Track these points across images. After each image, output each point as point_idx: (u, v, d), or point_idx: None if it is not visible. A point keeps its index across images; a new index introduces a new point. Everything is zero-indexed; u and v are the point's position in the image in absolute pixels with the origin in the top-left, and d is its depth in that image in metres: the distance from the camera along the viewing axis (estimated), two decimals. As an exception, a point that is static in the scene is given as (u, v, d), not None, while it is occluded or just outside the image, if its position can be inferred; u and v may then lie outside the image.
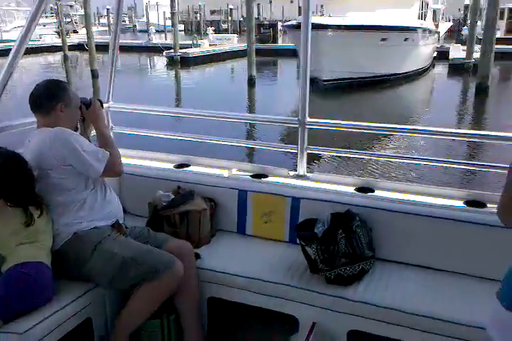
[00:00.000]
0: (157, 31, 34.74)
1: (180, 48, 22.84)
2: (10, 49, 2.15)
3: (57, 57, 26.03)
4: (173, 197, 2.29)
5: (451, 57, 19.95)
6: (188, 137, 2.79)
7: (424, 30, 18.51)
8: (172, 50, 22.74)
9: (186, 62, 22.25)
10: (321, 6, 17.41)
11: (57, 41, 28.09)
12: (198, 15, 43.52)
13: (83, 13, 23.35)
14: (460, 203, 2.10)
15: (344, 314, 1.86)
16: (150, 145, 3.19)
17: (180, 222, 2.22)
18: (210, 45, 26.10)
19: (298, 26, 13.03)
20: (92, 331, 1.94)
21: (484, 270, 1.94)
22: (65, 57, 23.85)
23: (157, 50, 25.65)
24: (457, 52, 20.64)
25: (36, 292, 1.76)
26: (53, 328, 1.73)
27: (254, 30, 17.50)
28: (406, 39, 16.41)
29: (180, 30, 26.62)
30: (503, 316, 1.09)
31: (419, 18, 18.65)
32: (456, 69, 18.56)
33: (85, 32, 20.86)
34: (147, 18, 37.48)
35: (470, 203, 2.09)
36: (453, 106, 12.99)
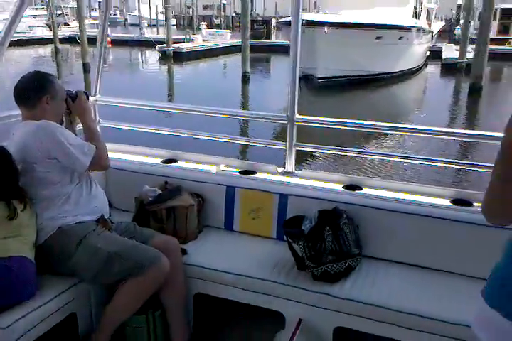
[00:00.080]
0: (149, 25, 34.44)
1: (173, 43, 22.69)
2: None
3: (47, 50, 25.66)
4: (160, 192, 2.27)
5: (444, 56, 20.05)
6: (177, 132, 2.76)
7: (419, 29, 18.57)
8: (165, 45, 22.57)
9: (179, 57, 22.08)
10: (314, 3, 17.39)
11: (47, 34, 27.69)
12: (191, 9, 43.19)
13: (75, 6, 23.07)
14: (447, 202, 2.11)
15: (330, 311, 1.87)
16: (137, 140, 3.16)
17: (167, 217, 2.20)
18: (203, 40, 25.94)
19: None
20: (76, 326, 1.93)
21: (470, 268, 1.95)
22: (56, 50, 23.51)
23: (149, 44, 25.42)
24: (450, 52, 20.75)
25: (19, 287, 1.73)
26: (37, 323, 1.72)
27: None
28: (401, 38, 16.45)
29: (172, 25, 26.37)
30: (487, 314, 1.09)
31: (413, 17, 18.69)
32: (449, 68, 18.65)
33: (76, 25, 20.64)
34: (139, 11, 37.12)
35: (457, 202, 2.10)
36: (447, 106, 13.04)
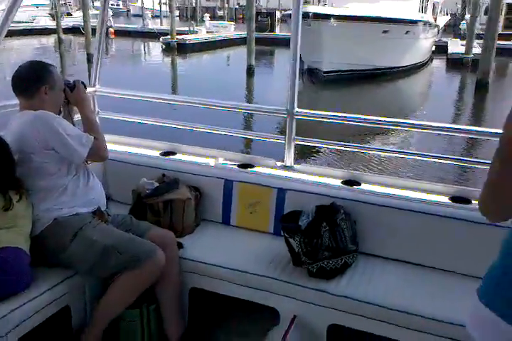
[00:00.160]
0: (153, 17, 34.18)
1: (177, 35, 22.55)
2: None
3: (50, 40, 25.49)
4: (157, 185, 2.25)
5: (450, 51, 19.87)
6: (176, 124, 2.75)
7: (425, 23, 18.33)
8: (169, 36, 22.41)
9: (183, 48, 21.95)
10: None
11: (50, 23, 27.50)
12: (194, 1, 42.78)
13: (78, -4, 22.89)
14: (445, 199, 2.09)
15: (325, 308, 1.85)
16: (137, 131, 3.14)
17: (164, 210, 2.19)
18: (207, 32, 25.77)
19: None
20: (70, 319, 1.93)
21: (467, 267, 1.93)
22: (60, 41, 23.39)
23: (152, 35, 25.25)
24: (456, 46, 20.56)
25: (13, 278, 1.73)
26: (31, 314, 1.72)
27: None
28: (407, 32, 16.22)
29: (175, 16, 26.17)
30: (482, 313, 1.08)
31: (419, 11, 18.48)
32: (455, 64, 18.49)
33: (79, 15, 20.48)
34: (142, 2, 36.81)
35: (455, 199, 2.08)
36: (453, 102, 12.89)
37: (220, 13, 42.15)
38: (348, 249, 1.93)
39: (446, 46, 21.25)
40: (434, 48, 21.70)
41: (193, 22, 28.41)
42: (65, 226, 1.89)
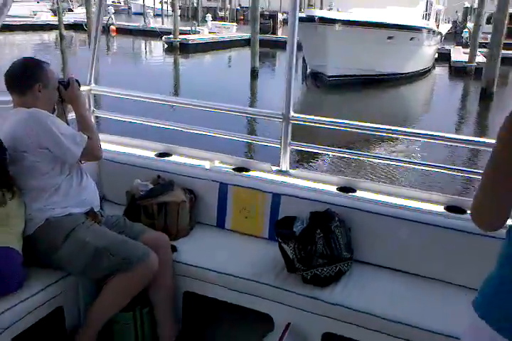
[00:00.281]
0: (155, 15, 34.12)
1: (179, 34, 22.54)
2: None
3: (52, 36, 25.38)
4: (151, 186, 2.23)
5: (453, 59, 19.87)
6: (173, 126, 2.72)
7: (429, 30, 18.37)
8: (171, 36, 22.37)
9: (186, 48, 21.89)
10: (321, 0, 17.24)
11: (51, 19, 27.36)
12: (195, 0, 42.72)
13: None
14: (441, 208, 2.07)
15: (320, 316, 1.83)
16: (132, 131, 3.11)
17: (158, 213, 2.16)
18: (209, 32, 25.76)
19: (304, 19, 12.83)
20: (63, 320, 1.90)
21: (461, 278, 1.91)
22: (61, 37, 23.29)
23: (153, 34, 25.17)
24: (458, 54, 20.57)
25: (5, 278, 1.71)
26: (24, 315, 1.70)
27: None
28: (412, 38, 16.24)
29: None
30: (478, 325, 1.07)
31: (423, 18, 18.52)
32: (458, 72, 18.45)
33: (81, 11, 20.40)
34: (143, 1, 36.75)
35: (451, 209, 2.06)
36: (456, 111, 12.78)
37: (221, 13, 42.13)
38: (342, 257, 1.91)
39: (449, 54, 21.27)
40: (436, 56, 21.76)
41: (194, 22, 28.35)
42: (57, 227, 1.86)
